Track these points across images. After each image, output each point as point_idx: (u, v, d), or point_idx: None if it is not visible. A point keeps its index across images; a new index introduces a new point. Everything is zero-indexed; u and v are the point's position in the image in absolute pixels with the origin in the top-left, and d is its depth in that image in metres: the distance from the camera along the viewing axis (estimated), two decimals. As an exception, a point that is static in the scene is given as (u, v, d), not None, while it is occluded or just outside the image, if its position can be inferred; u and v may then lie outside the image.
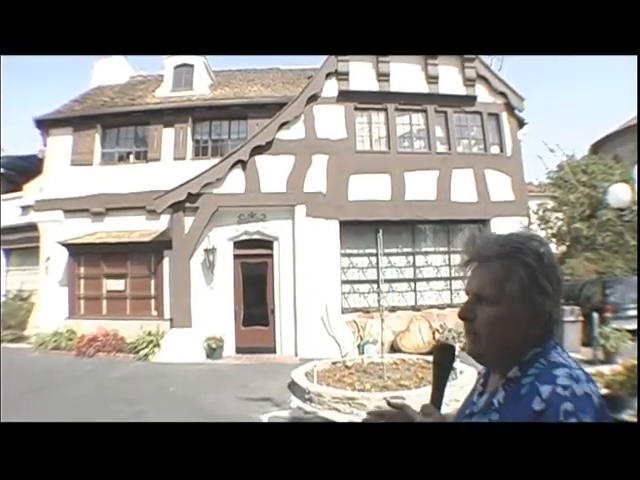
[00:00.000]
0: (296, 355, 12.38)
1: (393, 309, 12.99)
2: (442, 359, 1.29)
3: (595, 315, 10.77)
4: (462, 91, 14.23)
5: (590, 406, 1.04)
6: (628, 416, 4.94)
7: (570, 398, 1.03)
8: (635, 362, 5.76)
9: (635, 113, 20.21)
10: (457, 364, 6.79)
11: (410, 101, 13.99)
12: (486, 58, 15.20)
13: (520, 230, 1.25)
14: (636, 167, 10.36)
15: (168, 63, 17.01)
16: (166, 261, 14.05)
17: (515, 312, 1.15)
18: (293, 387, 8.81)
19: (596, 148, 24.33)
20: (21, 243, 16.19)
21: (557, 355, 1.15)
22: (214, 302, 13.04)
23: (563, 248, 14.24)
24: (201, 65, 17.03)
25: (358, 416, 7.21)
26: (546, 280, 1.15)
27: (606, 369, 6.90)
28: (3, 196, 16.33)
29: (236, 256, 13.42)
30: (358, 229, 13.49)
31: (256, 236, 13.40)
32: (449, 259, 13.88)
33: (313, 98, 13.59)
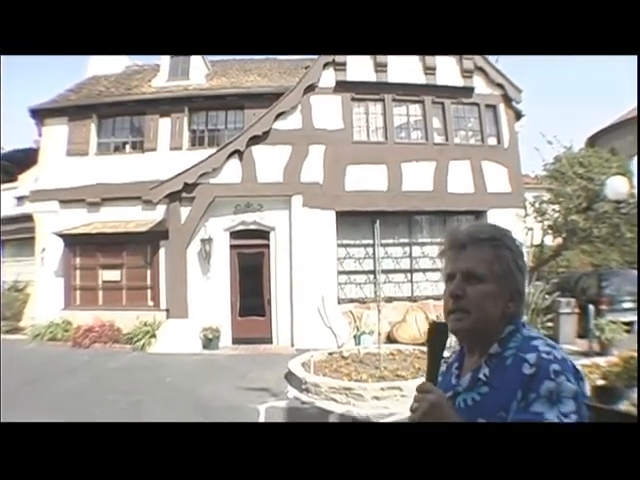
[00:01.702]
0: (292, 345, 12.42)
1: (389, 300, 13.01)
2: (436, 337, 1.34)
3: (591, 307, 10.83)
4: (460, 82, 14.18)
5: (570, 367, 1.20)
6: (624, 407, 4.98)
7: (555, 360, 1.19)
8: (631, 353, 5.78)
9: (632, 106, 20.22)
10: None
11: (407, 92, 13.95)
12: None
13: (493, 223, 1.49)
14: (633, 160, 10.36)
15: (164, 52, 16.85)
16: (162, 251, 14.02)
17: (500, 289, 1.31)
18: (290, 377, 8.85)
19: (593, 141, 24.28)
20: (16, 234, 16.08)
21: (527, 331, 1.33)
22: (210, 292, 13.05)
23: (559, 240, 14.23)
24: (197, 55, 16.89)
25: (355, 406, 7.30)
26: (523, 262, 1.37)
27: (602, 361, 6.95)
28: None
29: (232, 246, 13.42)
30: (355, 220, 13.49)
31: (252, 226, 13.40)
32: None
33: (310, 88, 13.53)
